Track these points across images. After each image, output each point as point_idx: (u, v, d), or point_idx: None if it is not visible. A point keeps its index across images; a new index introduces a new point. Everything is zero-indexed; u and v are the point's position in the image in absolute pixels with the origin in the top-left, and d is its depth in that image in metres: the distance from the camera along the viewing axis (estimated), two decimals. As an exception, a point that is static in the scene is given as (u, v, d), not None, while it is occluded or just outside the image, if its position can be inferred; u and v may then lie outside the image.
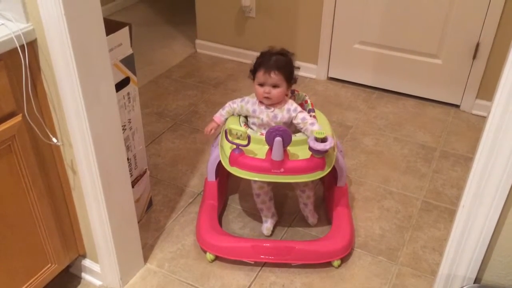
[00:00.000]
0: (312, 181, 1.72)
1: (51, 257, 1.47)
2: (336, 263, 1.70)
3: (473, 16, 2.38)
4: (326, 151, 1.52)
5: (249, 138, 1.54)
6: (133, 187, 1.61)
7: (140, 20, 3.74)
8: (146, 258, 1.73)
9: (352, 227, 1.77)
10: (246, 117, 1.73)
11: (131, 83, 1.63)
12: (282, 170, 1.54)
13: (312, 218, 1.86)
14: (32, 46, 1.20)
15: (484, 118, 1.21)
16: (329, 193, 1.91)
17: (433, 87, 2.65)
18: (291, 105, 1.65)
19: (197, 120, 2.53)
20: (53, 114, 1.32)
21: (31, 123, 1.24)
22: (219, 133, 1.77)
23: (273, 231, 1.84)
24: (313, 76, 2.93)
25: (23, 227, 1.35)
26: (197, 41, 3.24)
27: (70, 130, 1.31)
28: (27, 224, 1.36)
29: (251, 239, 1.78)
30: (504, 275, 1.20)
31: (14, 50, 1.14)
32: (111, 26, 1.43)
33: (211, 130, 1.75)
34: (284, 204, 1.98)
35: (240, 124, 1.67)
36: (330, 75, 2.91)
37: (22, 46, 1.15)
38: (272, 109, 1.65)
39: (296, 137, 1.58)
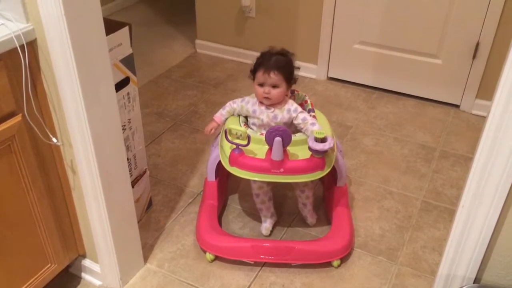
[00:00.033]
0: (312, 181, 1.72)
1: (51, 257, 1.47)
2: (336, 263, 1.70)
3: (473, 16, 2.38)
4: (325, 151, 1.52)
5: (249, 138, 1.54)
6: (133, 187, 1.61)
7: (140, 20, 3.74)
8: (146, 258, 1.73)
9: (352, 227, 1.77)
10: (246, 117, 1.73)
11: (131, 83, 1.63)
12: (281, 170, 1.54)
13: (311, 218, 1.86)
14: (32, 46, 1.20)
15: (484, 118, 1.21)
16: (329, 193, 1.91)
17: (433, 87, 2.66)
18: (292, 105, 1.65)
19: (197, 120, 2.53)
20: (53, 114, 1.32)
21: (31, 123, 1.25)
22: (219, 133, 1.77)
23: (272, 231, 1.84)
24: (313, 76, 2.93)
25: (23, 227, 1.35)
26: (197, 41, 3.24)
27: (70, 130, 1.31)
28: (27, 224, 1.36)
29: (251, 239, 1.78)
30: (503, 275, 1.20)
31: (14, 50, 1.14)
32: (111, 26, 1.43)
33: (211, 129, 1.75)
34: (283, 204, 1.98)
35: (240, 124, 1.67)
36: (330, 75, 2.91)
37: (22, 46, 1.15)
38: (272, 109, 1.65)
39: (296, 137, 1.58)
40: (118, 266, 1.57)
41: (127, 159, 1.59)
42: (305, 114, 1.64)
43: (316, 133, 1.50)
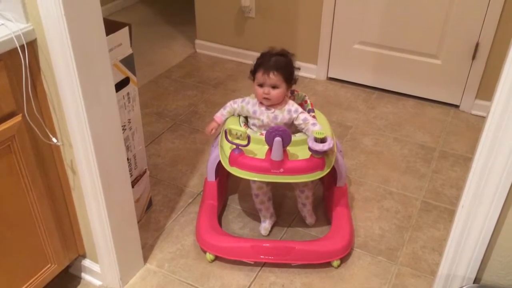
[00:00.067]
0: (312, 182, 1.72)
1: (51, 257, 1.47)
2: (335, 263, 1.70)
3: (472, 16, 2.38)
4: (325, 152, 1.52)
5: (248, 138, 1.54)
6: (133, 187, 1.61)
7: (140, 20, 3.74)
8: (146, 258, 1.73)
9: (351, 227, 1.78)
10: (246, 117, 1.73)
11: (130, 83, 1.63)
12: (281, 170, 1.54)
13: (310, 219, 1.86)
14: (32, 46, 1.20)
15: (483, 118, 1.21)
16: (328, 193, 1.91)
17: (432, 87, 2.66)
18: (292, 106, 1.65)
19: (197, 120, 2.54)
20: (53, 114, 1.32)
21: (31, 123, 1.25)
22: (219, 133, 1.77)
23: (271, 231, 1.84)
24: (313, 76, 2.93)
25: (23, 227, 1.35)
26: (197, 41, 3.24)
27: (70, 130, 1.31)
28: (27, 224, 1.36)
29: (251, 239, 1.78)
30: (503, 275, 1.20)
31: (14, 50, 1.14)
32: (111, 26, 1.43)
33: (212, 130, 1.75)
34: (283, 204, 1.98)
35: (240, 124, 1.67)
36: (329, 75, 2.91)
37: (22, 46, 1.15)
38: (273, 110, 1.65)
39: (295, 137, 1.58)
40: (118, 266, 1.57)
41: (127, 159, 1.59)
42: (306, 115, 1.64)
43: (316, 133, 1.50)
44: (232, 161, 1.58)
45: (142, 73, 2.86)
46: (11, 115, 1.21)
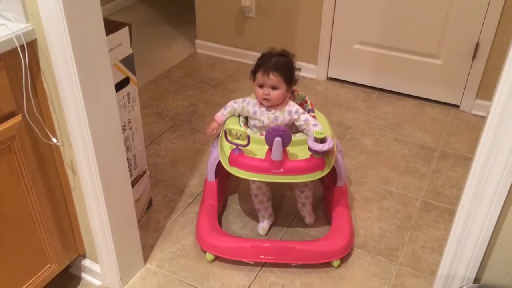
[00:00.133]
0: (312, 182, 1.72)
1: (51, 257, 1.47)
2: (335, 263, 1.70)
3: (472, 16, 2.38)
4: (325, 152, 1.52)
5: (248, 138, 1.54)
6: (133, 187, 1.61)
7: (140, 20, 3.74)
8: (146, 258, 1.73)
9: (351, 227, 1.78)
10: (246, 118, 1.73)
11: (130, 83, 1.63)
12: (281, 170, 1.54)
13: (309, 218, 1.86)
14: (32, 46, 1.20)
15: (483, 118, 1.21)
16: (328, 193, 1.91)
17: (432, 87, 2.66)
18: (293, 106, 1.65)
19: (197, 120, 2.54)
20: (53, 114, 1.32)
21: (31, 123, 1.25)
22: (219, 133, 1.77)
23: (268, 231, 1.84)
24: (313, 76, 2.93)
25: (23, 227, 1.35)
26: (197, 41, 3.24)
27: (70, 130, 1.31)
28: (27, 224, 1.36)
29: (251, 239, 1.78)
30: (503, 275, 1.20)
31: (14, 50, 1.14)
32: (111, 26, 1.43)
33: (212, 130, 1.75)
34: (283, 204, 1.98)
35: (240, 124, 1.67)
36: (329, 75, 2.91)
37: (22, 46, 1.15)
38: (273, 111, 1.65)
39: (295, 137, 1.58)
40: (118, 266, 1.57)
41: (127, 159, 1.59)
42: (307, 115, 1.63)
43: (316, 133, 1.50)
44: (232, 161, 1.58)
45: (142, 73, 2.86)
46: (11, 115, 1.21)
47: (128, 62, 1.58)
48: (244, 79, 2.82)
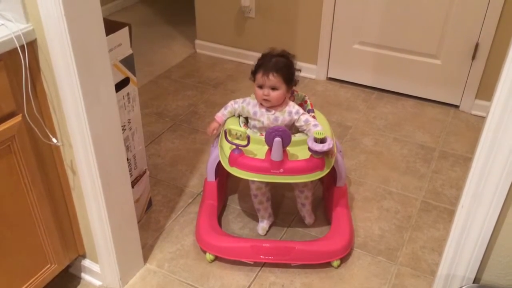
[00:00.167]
0: (311, 182, 1.72)
1: (51, 257, 1.47)
2: (335, 263, 1.70)
3: (472, 16, 2.38)
4: (325, 152, 1.52)
5: (248, 138, 1.54)
6: (132, 187, 1.61)
7: (140, 20, 3.74)
8: (145, 258, 1.73)
9: (351, 227, 1.78)
10: (246, 118, 1.73)
11: (130, 83, 1.63)
12: (281, 170, 1.54)
13: (309, 219, 1.86)
14: (32, 46, 1.20)
15: (483, 118, 1.21)
16: (328, 193, 1.91)
17: (432, 87, 2.66)
18: (293, 107, 1.64)
19: (197, 120, 2.54)
20: (53, 115, 1.32)
21: (31, 123, 1.25)
22: (219, 133, 1.77)
23: (268, 231, 1.84)
24: (313, 77, 2.93)
25: (23, 227, 1.35)
26: (197, 42, 3.24)
27: (70, 130, 1.31)
28: (27, 224, 1.36)
29: (251, 239, 1.78)
30: (503, 275, 1.20)
31: (14, 50, 1.14)
32: (111, 26, 1.43)
33: (213, 130, 1.74)
34: (283, 205, 1.98)
35: (240, 125, 1.67)
36: (329, 76, 2.91)
37: (22, 47, 1.15)
38: (273, 111, 1.64)
39: (295, 137, 1.58)
40: (118, 266, 1.57)
41: (127, 159, 1.59)
42: (307, 116, 1.63)
43: (316, 133, 1.50)
44: (232, 161, 1.58)
45: (142, 73, 2.86)
46: (11, 115, 1.21)
47: (128, 62, 1.58)
48: (244, 79, 2.83)
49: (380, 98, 2.75)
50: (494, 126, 1.03)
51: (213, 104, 2.66)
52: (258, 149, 1.58)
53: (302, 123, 1.62)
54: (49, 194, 1.40)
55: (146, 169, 1.86)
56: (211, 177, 1.82)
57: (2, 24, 1.15)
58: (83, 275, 1.67)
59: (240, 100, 1.72)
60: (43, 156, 1.34)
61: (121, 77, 1.57)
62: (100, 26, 1.23)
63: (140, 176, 1.81)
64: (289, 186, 1.95)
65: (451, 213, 1.95)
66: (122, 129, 1.50)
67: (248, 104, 1.69)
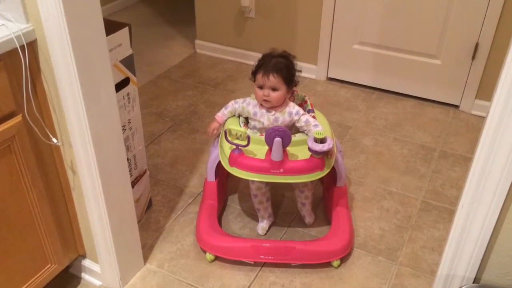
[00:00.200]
0: (312, 182, 1.72)
1: (51, 257, 1.47)
2: (335, 263, 1.70)
3: (472, 16, 2.38)
4: (324, 152, 1.52)
5: (248, 138, 1.54)
6: (133, 187, 1.61)
7: (140, 20, 3.74)
8: (145, 258, 1.73)
9: (351, 227, 1.78)
10: (246, 118, 1.73)
11: (130, 83, 1.63)
12: (281, 170, 1.54)
13: (309, 218, 1.86)
14: (32, 47, 1.20)
15: (483, 119, 1.21)
16: (328, 193, 1.91)
17: (432, 87, 2.66)
18: (293, 108, 1.64)
19: (197, 120, 2.54)
20: (53, 114, 1.32)
21: (31, 123, 1.25)
22: (219, 133, 1.77)
23: (268, 231, 1.84)
24: (313, 77, 2.93)
25: (23, 227, 1.35)
26: (197, 42, 3.24)
27: (70, 130, 1.31)
28: (27, 224, 1.36)
29: (251, 239, 1.78)
30: (503, 274, 1.20)
31: (14, 50, 1.14)
32: (111, 26, 1.43)
33: (213, 130, 1.74)
34: (283, 205, 1.98)
35: (240, 125, 1.67)
36: (329, 76, 2.91)
37: (22, 47, 1.15)
38: (273, 112, 1.64)
39: (295, 137, 1.58)
40: (118, 266, 1.57)
41: (127, 159, 1.59)
42: (307, 116, 1.63)
43: (316, 133, 1.50)
44: (232, 161, 1.58)
45: (142, 73, 2.86)
46: (11, 115, 1.21)
47: (128, 62, 1.58)
48: (244, 79, 2.83)
49: (380, 98, 2.75)
50: (494, 126, 1.03)
51: (213, 104, 2.66)
52: (258, 149, 1.58)
53: (303, 124, 1.62)
54: (49, 194, 1.40)
55: (146, 169, 1.86)
56: (211, 177, 1.82)
57: (2, 24, 1.15)
58: (83, 275, 1.67)
59: (240, 100, 1.72)
60: (43, 156, 1.34)
61: (121, 77, 1.57)
62: (100, 26, 1.23)
63: (140, 176, 1.81)
64: (289, 186, 1.95)
65: (451, 213, 1.95)
66: (122, 129, 1.50)
67: (248, 104, 1.69)
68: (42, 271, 1.46)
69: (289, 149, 1.56)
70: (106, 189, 1.40)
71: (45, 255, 1.45)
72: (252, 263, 1.71)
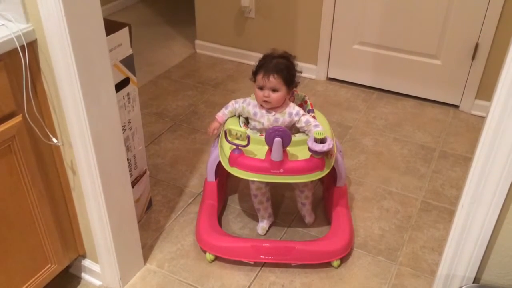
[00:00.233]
0: (312, 182, 1.72)
1: (51, 257, 1.47)
2: (335, 263, 1.70)
3: (472, 16, 2.38)
4: (325, 152, 1.52)
5: (248, 138, 1.54)
6: (133, 187, 1.61)
7: (140, 20, 3.74)
8: (146, 258, 1.73)
9: (351, 227, 1.78)
10: (247, 118, 1.73)
11: (130, 83, 1.63)
12: (281, 170, 1.54)
13: (309, 218, 1.86)
14: (32, 47, 1.20)
15: (483, 119, 1.21)
16: (328, 193, 1.91)
17: (432, 87, 2.66)
18: (293, 108, 1.64)
19: (197, 120, 2.54)
20: (53, 114, 1.32)
21: (31, 123, 1.25)
22: (219, 133, 1.77)
23: (268, 231, 1.84)
24: (313, 77, 2.93)
25: (23, 227, 1.35)
26: (197, 42, 3.24)
27: (70, 130, 1.31)
28: (27, 224, 1.36)
29: (251, 239, 1.78)
30: (503, 274, 1.20)
31: (14, 50, 1.14)
32: (111, 26, 1.43)
33: (214, 130, 1.74)
34: (283, 205, 1.98)
35: (240, 125, 1.67)
36: (329, 76, 2.92)
37: (22, 47, 1.15)
38: (273, 113, 1.64)
39: (295, 137, 1.58)
40: (118, 266, 1.57)
41: (127, 159, 1.59)
42: (308, 117, 1.63)
43: (316, 133, 1.50)
44: (232, 162, 1.58)
45: (142, 73, 2.86)
46: (11, 116, 1.21)
47: (128, 62, 1.58)
48: (244, 79, 2.83)
49: (380, 98, 2.75)
50: (494, 126, 1.03)
51: (213, 104, 2.66)
52: (258, 149, 1.58)
53: (303, 124, 1.62)
54: (49, 194, 1.40)
55: (146, 169, 1.86)
56: (211, 177, 1.82)
57: (2, 24, 1.15)
58: (83, 275, 1.67)
59: (240, 100, 1.72)
60: (43, 156, 1.34)
61: (121, 77, 1.57)
62: (100, 26, 1.23)
63: (140, 176, 1.81)
64: (289, 186, 1.95)
65: (451, 213, 1.95)
66: (122, 129, 1.50)
67: (248, 105, 1.69)
68: (42, 271, 1.46)
69: (289, 149, 1.56)
70: (106, 189, 1.40)
71: (45, 255, 1.45)
72: (252, 263, 1.71)
